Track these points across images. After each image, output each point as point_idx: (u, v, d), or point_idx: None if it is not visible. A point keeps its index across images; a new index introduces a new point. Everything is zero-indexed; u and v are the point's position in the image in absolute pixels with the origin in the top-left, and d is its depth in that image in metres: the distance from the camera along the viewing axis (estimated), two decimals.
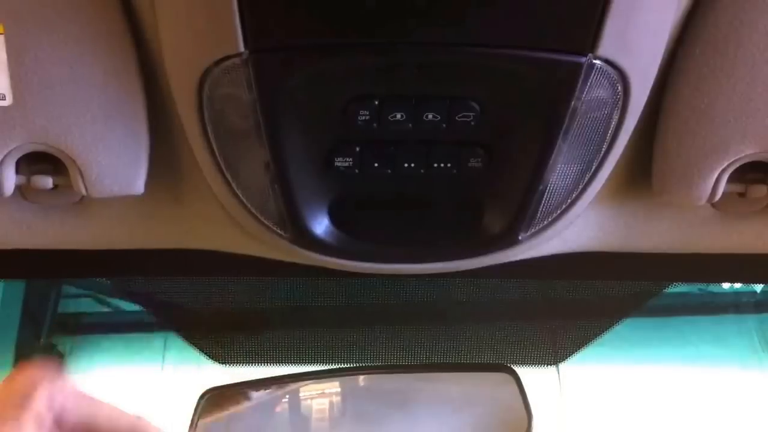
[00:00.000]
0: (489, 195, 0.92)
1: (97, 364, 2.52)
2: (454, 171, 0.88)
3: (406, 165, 0.87)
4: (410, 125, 0.82)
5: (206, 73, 0.78)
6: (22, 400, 0.66)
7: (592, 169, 0.88)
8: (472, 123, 0.82)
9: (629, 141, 0.87)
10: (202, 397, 1.60)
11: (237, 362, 1.93)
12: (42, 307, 2.29)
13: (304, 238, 0.93)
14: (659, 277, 1.70)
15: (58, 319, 2.53)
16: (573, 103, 0.79)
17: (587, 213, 0.97)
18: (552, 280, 1.96)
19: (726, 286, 2.59)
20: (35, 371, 0.69)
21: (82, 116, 0.83)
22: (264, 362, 1.97)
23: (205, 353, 1.88)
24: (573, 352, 2.22)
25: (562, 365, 2.24)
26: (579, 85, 0.77)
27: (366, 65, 0.78)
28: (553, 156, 0.84)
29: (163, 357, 2.62)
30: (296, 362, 2.01)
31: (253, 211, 0.92)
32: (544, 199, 0.89)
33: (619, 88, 0.79)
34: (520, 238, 0.94)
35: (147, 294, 2.02)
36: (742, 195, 0.94)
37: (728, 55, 0.81)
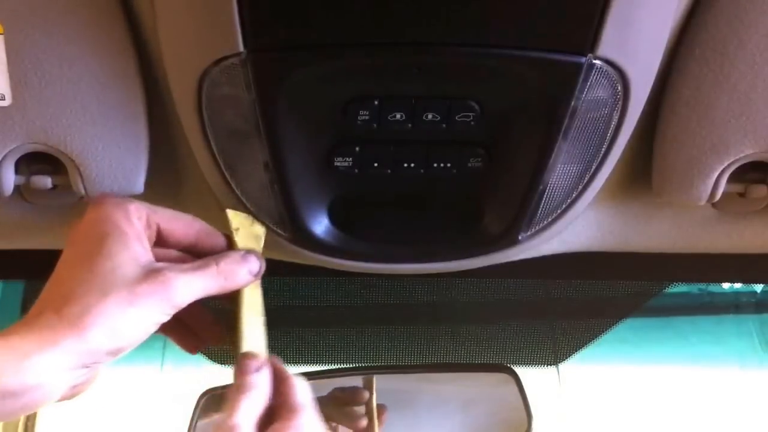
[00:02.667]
0: (489, 195, 0.92)
1: None
2: (454, 171, 0.88)
3: (405, 165, 0.87)
4: (410, 125, 0.82)
5: (205, 73, 0.78)
6: (120, 217, 0.74)
7: (592, 169, 0.88)
8: (472, 123, 0.82)
9: (629, 141, 0.87)
10: (201, 397, 1.59)
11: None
12: None
13: (304, 237, 0.93)
14: (659, 277, 1.70)
15: None
16: (573, 103, 0.79)
17: (587, 213, 0.97)
18: (552, 280, 1.96)
19: (726, 286, 2.59)
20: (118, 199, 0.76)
21: (82, 116, 0.83)
22: None
23: (205, 353, 1.87)
24: (573, 352, 2.22)
25: (562, 365, 2.24)
26: (579, 85, 0.77)
27: (365, 65, 0.78)
28: (552, 156, 0.84)
29: (163, 357, 2.62)
30: (295, 363, 2.01)
31: (253, 210, 0.92)
32: (544, 199, 0.89)
33: (619, 88, 0.79)
34: (519, 238, 0.94)
35: None
36: (742, 195, 0.94)
37: (728, 55, 0.81)
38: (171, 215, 0.79)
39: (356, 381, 1.57)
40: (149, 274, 0.72)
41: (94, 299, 0.69)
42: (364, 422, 1.38)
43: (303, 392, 0.79)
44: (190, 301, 0.74)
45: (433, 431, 1.68)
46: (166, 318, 0.72)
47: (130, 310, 0.69)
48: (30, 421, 2.08)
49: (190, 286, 0.74)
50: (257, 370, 0.77)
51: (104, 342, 0.69)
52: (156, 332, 0.75)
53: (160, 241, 0.78)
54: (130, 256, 0.72)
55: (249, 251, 0.81)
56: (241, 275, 0.79)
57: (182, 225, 0.80)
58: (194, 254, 0.80)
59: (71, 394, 0.73)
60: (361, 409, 1.38)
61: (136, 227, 0.74)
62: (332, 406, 1.36)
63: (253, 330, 0.81)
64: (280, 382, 0.79)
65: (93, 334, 0.68)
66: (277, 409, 0.76)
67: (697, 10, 0.80)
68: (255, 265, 0.80)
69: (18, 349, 0.66)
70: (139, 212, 0.76)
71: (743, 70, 0.81)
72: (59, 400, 0.71)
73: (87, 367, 0.70)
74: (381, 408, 1.20)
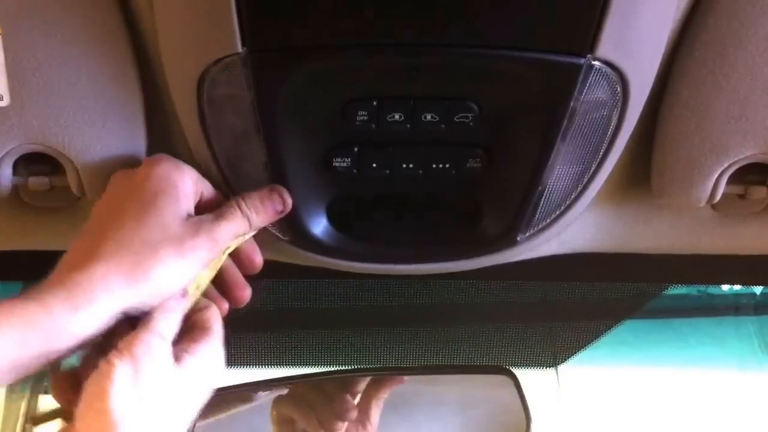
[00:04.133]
0: (487, 196, 0.92)
1: None
2: (453, 172, 0.87)
3: (404, 166, 0.87)
4: (409, 126, 0.82)
5: (204, 73, 0.78)
6: (177, 176, 0.81)
7: (591, 170, 0.88)
8: (471, 124, 0.82)
9: (628, 142, 0.87)
10: None
11: (236, 364, 1.93)
12: None
13: (303, 238, 0.93)
14: (658, 279, 1.69)
15: None
16: (572, 104, 0.79)
17: (586, 214, 0.97)
18: (551, 282, 1.96)
19: (725, 287, 2.58)
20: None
21: (80, 117, 0.83)
22: (263, 364, 1.97)
23: None
24: (572, 354, 2.22)
25: (561, 367, 2.24)
26: (578, 87, 0.77)
27: (364, 66, 0.78)
28: (551, 157, 0.84)
29: None
30: (295, 364, 2.01)
31: None
32: (542, 200, 0.89)
33: (618, 89, 0.79)
34: (518, 239, 0.94)
35: None
36: (741, 196, 0.94)
37: (728, 56, 0.81)
38: (211, 188, 0.86)
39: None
40: (194, 226, 0.77)
41: (149, 252, 0.74)
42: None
43: (215, 318, 0.82)
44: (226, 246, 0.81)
45: None
46: (206, 264, 0.78)
47: (180, 262, 0.75)
48: (29, 422, 2.08)
49: (227, 231, 0.80)
50: (181, 296, 0.80)
51: (155, 291, 0.74)
52: None
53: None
54: (180, 213, 0.78)
55: (273, 188, 0.86)
56: (267, 214, 0.85)
57: (209, 188, 0.86)
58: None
59: None
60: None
61: (187, 186, 0.80)
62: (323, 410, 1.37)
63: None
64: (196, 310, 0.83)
65: (145, 286, 0.73)
66: (188, 329, 0.80)
67: (696, 11, 0.80)
68: (279, 204, 0.86)
69: (74, 295, 0.71)
70: (192, 175, 0.82)
71: (743, 72, 0.81)
72: None
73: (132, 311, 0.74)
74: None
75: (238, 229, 0.82)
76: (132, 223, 0.76)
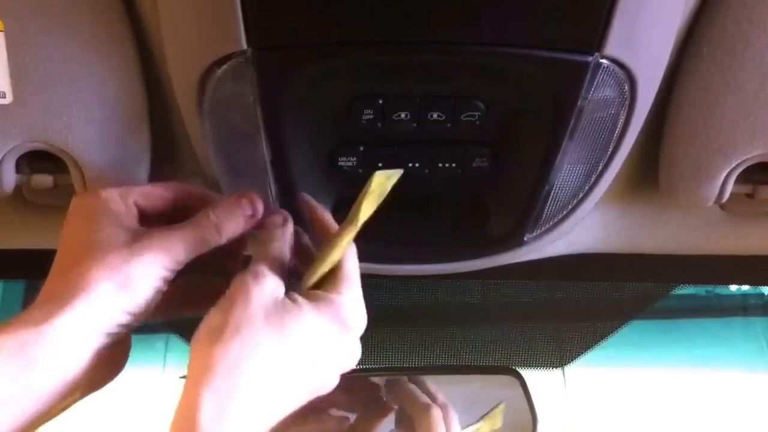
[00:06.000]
0: (494, 195, 0.91)
1: None
2: (459, 171, 0.87)
3: (410, 165, 0.86)
4: (415, 125, 0.81)
5: (208, 70, 0.78)
6: (97, 202, 0.76)
7: (599, 170, 0.88)
8: (477, 123, 0.81)
9: (636, 141, 0.86)
10: None
11: None
12: None
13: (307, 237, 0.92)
14: (666, 279, 1.69)
15: None
16: (579, 102, 0.78)
17: (593, 214, 0.97)
18: (557, 282, 1.96)
19: (733, 288, 2.58)
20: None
21: (83, 115, 0.83)
22: None
23: None
24: (579, 355, 2.22)
25: (568, 368, 2.24)
26: (585, 85, 0.76)
27: (370, 64, 0.77)
28: (559, 156, 0.84)
29: (165, 359, 2.62)
30: None
31: None
32: (549, 199, 0.89)
33: (626, 87, 0.79)
34: (525, 239, 0.93)
35: None
36: (750, 196, 0.93)
37: (736, 54, 0.80)
38: (144, 188, 0.80)
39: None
40: (143, 234, 0.73)
41: (94, 259, 0.70)
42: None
43: (352, 263, 0.79)
44: (192, 254, 0.75)
45: None
46: (168, 273, 0.73)
47: (132, 260, 0.71)
48: None
49: (185, 237, 0.75)
50: (282, 224, 0.80)
51: (112, 300, 0.70)
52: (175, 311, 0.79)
53: (142, 215, 0.79)
54: (122, 227, 0.74)
55: (242, 195, 0.81)
56: (236, 222, 0.79)
57: (158, 192, 0.81)
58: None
59: (100, 378, 0.73)
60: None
61: (116, 207, 0.76)
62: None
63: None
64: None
65: (99, 292, 0.69)
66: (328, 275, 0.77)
67: (704, 9, 0.80)
68: (248, 209, 0.80)
69: (33, 320, 0.67)
70: (113, 195, 0.77)
71: (751, 70, 0.81)
72: (89, 388, 0.72)
73: (107, 334, 0.70)
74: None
75: (205, 237, 0.76)
76: (77, 245, 0.74)
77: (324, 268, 0.76)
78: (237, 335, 0.67)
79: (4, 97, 0.81)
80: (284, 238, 0.79)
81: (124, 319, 0.71)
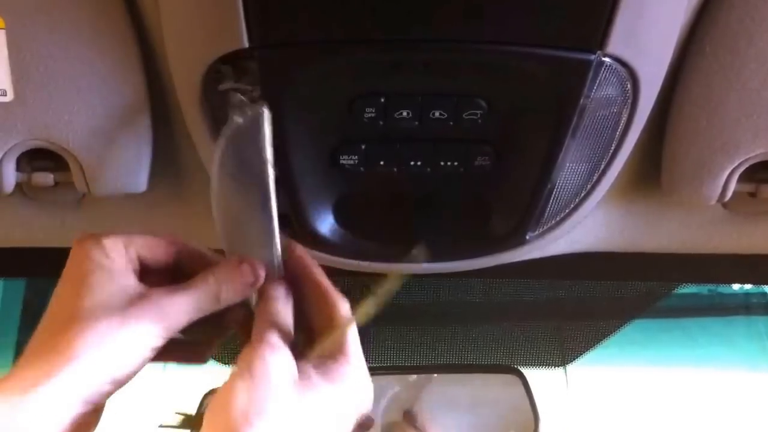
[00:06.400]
0: (496, 194, 0.91)
1: None
2: (461, 169, 0.87)
3: (412, 163, 0.86)
4: (417, 123, 0.81)
5: (210, 68, 0.77)
6: (99, 254, 0.73)
7: (601, 168, 0.88)
8: (480, 121, 0.81)
9: (638, 140, 0.86)
10: (204, 397, 1.59)
11: None
12: (43, 306, 2.29)
13: (309, 236, 0.93)
14: (668, 278, 1.69)
15: None
16: (582, 101, 0.78)
17: (596, 212, 0.97)
18: (560, 281, 1.96)
19: (736, 287, 2.58)
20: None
21: (84, 112, 0.83)
22: None
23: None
24: (581, 354, 2.22)
25: (570, 366, 2.24)
26: (588, 83, 0.76)
27: (372, 62, 0.77)
28: (561, 155, 0.83)
29: None
30: None
31: None
32: (552, 198, 0.89)
33: (629, 86, 0.79)
34: (527, 237, 0.93)
35: None
36: (752, 195, 0.93)
37: (739, 52, 0.80)
38: (147, 240, 0.77)
39: None
40: (139, 298, 0.71)
41: (84, 325, 0.67)
42: None
43: (353, 338, 0.78)
44: (187, 323, 0.73)
45: None
46: (160, 341, 0.71)
47: (122, 332, 0.68)
48: None
49: (183, 305, 0.72)
50: (285, 296, 0.78)
51: (99, 369, 0.67)
52: (154, 360, 0.74)
53: (143, 268, 0.77)
54: (118, 287, 0.71)
55: (243, 259, 0.78)
56: (236, 289, 0.77)
57: (162, 246, 0.79)
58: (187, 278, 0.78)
59: None
60: None
61: (116, 261, 0.73)
62: None
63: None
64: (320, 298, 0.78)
65: (86, 360, 0.66)
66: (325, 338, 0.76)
67: (707, 7, 0.80)
68: (249, 276, 0.78)
69: (19, 385, 0.65)
70: (116, 245, 0.74)
71: (754, 68, 0.81)
72: None
73: (88, 402, 0.68)
74: None
75: (202, 303, 0.74)
76: (69, 305, 0.70)
77: (328, 340, 0.76)
78: (263, 420, 0.65)
79: (5, 95, 0.81)
80: (289, 308, 0.77)
81: (108, 387, 0.69)
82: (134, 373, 0.70)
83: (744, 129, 0.84)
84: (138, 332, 0.69)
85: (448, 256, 0.99)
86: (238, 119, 0.74)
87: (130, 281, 0.73)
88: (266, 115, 0.74)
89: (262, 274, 0.78)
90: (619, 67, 0.76)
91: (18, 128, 0.83)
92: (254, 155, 0.76)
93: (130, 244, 0.75)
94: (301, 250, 0.81)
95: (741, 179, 0.89)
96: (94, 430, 0.72)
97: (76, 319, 0.68)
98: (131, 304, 0.70)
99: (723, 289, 2.61)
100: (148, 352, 0.70)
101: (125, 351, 0.68)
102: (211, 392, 0.98)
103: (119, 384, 0.69)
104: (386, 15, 0.71)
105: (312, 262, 0.80)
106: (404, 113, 0.80)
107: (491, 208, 0.92)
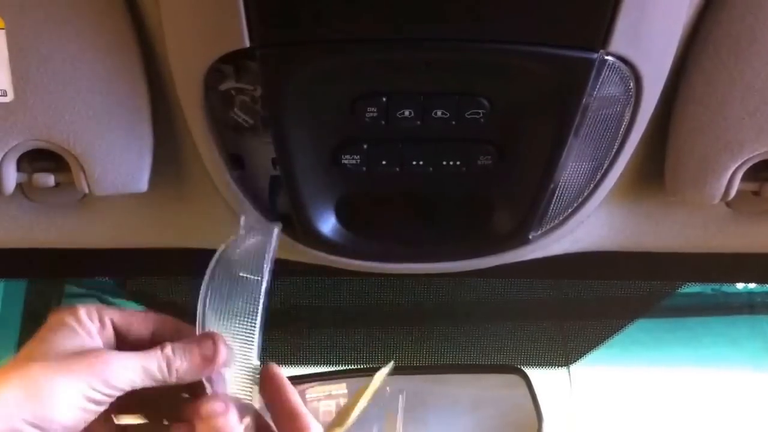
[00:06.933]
0: (499, 193, 0.91)
1: None
2: (464, 169, 0.87)
3: (414, 163, 0.86)
4: (419, 122, 0.81)
5: (211, 68, 0.77)
6: (67, 315, 0.73)
7: (604, 167, 0.88)
8: (482, 120, 0.81)
9: (641, 138, 0.86)
10: None
11: None
12: (44, 307, 2.28)
13: (311, 236, 0.92)
14: (672, 278, 1.69)
15: None
16: (584, 99, 0.78)
17: (599, 212, 0.97)
18: (563, 280, 1.96)
19: (740, 286, 2.58)
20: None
21: (85, 113, 0.83)
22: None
23: None
24: (584, 354, 2.22)
25: (573, 366, 2.23)
26: (590, 82, 0.76)
27: (374, 61, 0.77)
28: (564, 154, 0.83)
29: None
30: (302, 363, 2.01)
31: (259, 209, 0.92)
32: (555, 197, 0.89)
33: (632, 84, 0.78)
34: (530, 237, 0.93)
35: (150, 294, 2.01)
36: (756, 194, 0.93)
37: (742, 51, 0.80)
38: (124, 311, 0.77)
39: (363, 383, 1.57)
40: (87, 351, 0.71)
41: (20, 363, 0.68)
42: None
43: None
44: (131, 386, 0.71)
45: None
46: (100, 397, 0.70)
47: (56, 378, 0.68)
48: None
49: (128, 366, 0.71)
50: (224, 412, 0.75)
51: (22, 406, 0.67)
52: None
53: (119, 338, 0.77)
54: (74, 343, 0.72)
55: (208, 334, 0.77)
56: (193, 361, 0.75)
57: (138, 318, 0.78)
58: None
59: None
60: None
61: (85, 324, 0.74)
62: None
63: None
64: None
65: (10, 393, 0.66)
66: None
67: (710, 5, 0.80)
68: (209, 349, 0.76)
69: None
70: (89, 312, 0.75)
71: (757, 67, 0.80)
72: None
73: None
74: None
75: (150, 369, 0.72)
76: (21, 354, 0.71)
77: None
78: None
79: (6, 95, 0.80)
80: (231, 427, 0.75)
81: (28, 429, 0.67)
82: (69, 423, 0.69)
83: (747, 127, 0.84)
84: (74, 381, 0.68)
85: (451, 255, 0.99)
86: (250, 238, 0.75)
87: (90, 341, 0.73)
88: (276, 233, 0.74)
89: (223, 351, 0.76)
90: (622, 66, 0.76)
91: (18, 129, 0.83)
92: (255, 267, 0.78)
93: (104, 313, 0.76)
94: (276, 369, 0.80)
95: (745, 178, 0.89)
96: None
97: (19, 361, 0.69)
98: (76, 354, 0.70)
99: (727, 288, 2.60)
100: (82, 402, 0.69)
101: (49, 395, 0.67)
102: None
103: (50, 426, 0.68)
104: (388, 14, 0.71)
105: (287, 383, 0.79)
106: (406, 113, 0.80)
107: (494, 207, 0.92)
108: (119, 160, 0.86)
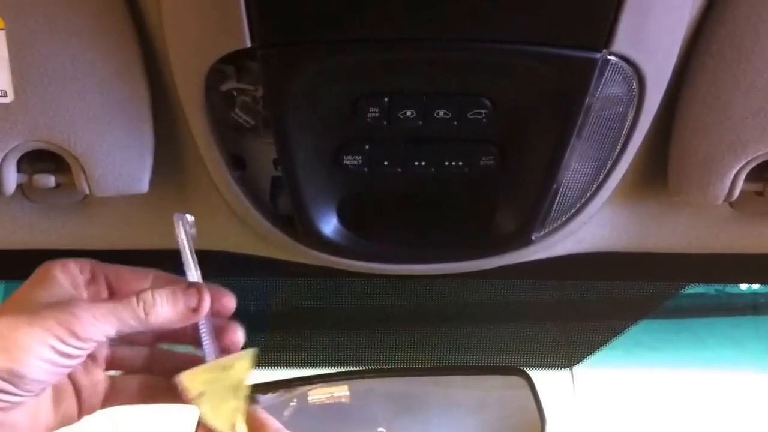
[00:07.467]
0: (501, 194, 0.91)
1: None
2: (466, 169, 0.86)
3: (416, 163, 0.86)
4: (421, 123, 0.81)
5: (212, 68, 0.77)
6: (54, 267, 0.74)
7: (607, 168, 0.87)
8: (484, 120, 0.81)
9: (644, 139, 0.86)
10: None
11: None
12: None
13: (312, 237, 0.92)
14: (675, 278, 1.69)
15: None
16: (587, 100, 0.78)
17: (602, 212, 0.96)
18: (566, 281, 1.95)
19: (744, 287, 2.58)
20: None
21: (86, 113, 0.82)
22: (271, 365, 1.97)
23: None
24: (587, 355, 2.22)
25: (576, 368, 2.24)
26: (593, 82, 0.76)
27: (375, 61, 0.77)
28: (566, 154, 0.83)
29: None
30: (304, 365, 2.01)
31: (260, 210, 0.92)
32: (557, 198, 0.89)
33: (634, 84, 0.78)
34: (533, 237, 0.93)
35: None
36: (760, 194, 0.93)
37: (745, 50, 0.80)
38: (122, 267, 0.77)
39: (365, 384, 1.56)
40: (58, 303, 0.70)
41: (11, 323, 0.68)
42: None
43: None
44: (104, 335, 0.71)
45: None
46: (70, 350, 0.69)
47: (24, 327, 0.67)
48: None
49: (98, 315, 0.70)
50: None
51: (15, 357, 0.67)
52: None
53: (114, 295, 0.77)
54: (50, 293, 0.71)
55: (194, 284, 0.77)
56: (172, 311, 0.74)
57: (135, 275, 0.78)
58: None
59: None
60: None
61: (74, 276, 0.74)
62: None
63: None
64: None
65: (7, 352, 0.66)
66: None
67: (714, 5, 0.79)
68: (192, 300, 0.75)
69: None
70: (81, 265, 0.75)
71: (761, 67, 0.80)
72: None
73: None
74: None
75: (123, 318, 0.71)
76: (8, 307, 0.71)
77: None
78: None
79: (6, 96, 0.80)
80: None
81: (4, 385, 0.68)
82: (40, 374, 0.69)
83: (751, 128, 0.84)
84: (41, 331, 0.68)
85: (453, 257, 0.99)
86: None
87: (71, 292, 0.73)
88: (183, 223, 0.75)
89: (207, 303, 0.76)
90: (625, 66, 0.76)
91: (19, 129, 0.82)
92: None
93: (99, 268, 0.77)
94: (262, 413, 0.79)
95: (748, 178, 0.89)
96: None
97: (8, 320, 0.68)
98: (47, 307, 0.69)
99: (731, 289, 2.61)
100: (50, 354, 0.68)
101: (25, 347, 0.67)
102: None
103: (20, 380, 0.68)
104: (390, 14, 0.71)
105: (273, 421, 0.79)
106: (408, 113, 0.80)
107: (496, 208, 0.92)
108: (120, 161, 0.86)
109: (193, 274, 0.78)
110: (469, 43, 0.73)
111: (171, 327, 0.75)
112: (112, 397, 0.80)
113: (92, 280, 0.76)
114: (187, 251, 0.79)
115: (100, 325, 0.70)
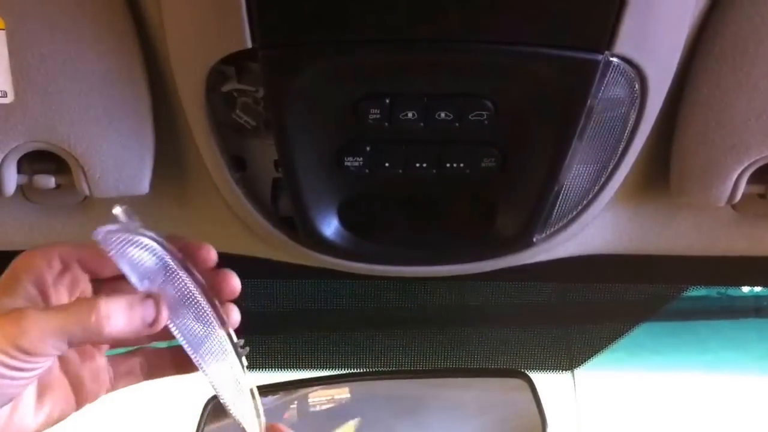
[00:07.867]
0: (503, 196, 0.90)
1: None
2: (467, 171, 0.86)
3: (417, 165, 0.85)
4: (422, 124, 0.80)
5: (213, 69, 0.77)
6: (19, 263, 0.71)
7: (609, 170, 0.87)
8: (486, 122, 0.80)
9: (647, 141, 0.86)
10: (208, 403, 1.59)
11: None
12: None
13: (313, 239, 0.92)
14: (677, 281, 1.69)
15: None
16: (589, 101, 0.77)
17: (603, 214, 0.96)
18: (567, 284, 1.95)
19: (746, 289, 2.58)
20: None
21: (86, 114, 0.82)
22: (271, 367, 1.97)
23: None
24: (588, 357, 2.22)
25: (578, 371, 2.23)
26: (595, 84, 0.76)
27: (377, 62, 0.76)
28: (568, 156, 0.83)
29: None
30: (304, 367, 2.01)
31: (261, 211, 0.92)
32: (559, 200, 0.88)
33: (637, 86, 0.78)
34: (534, 240, 0.93)
35: None
36: (762, 196, 0.92)
37: (748, 52, 0.79)
38: (93, 248, 0.72)
39: (366, 387, 1.56)
40: (12, 312, 0.66)
41: None
42: None
43: None
44: (53, 350, 0.66)
45: None
46: (20, 364, 0.65)
47: None
48: None
49: (47, 330, 0.66)
50: None
51: None
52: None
53: (93, 276, 0.75)
54: (12, 299, 0.69)
55: (150, 294, 0.70)
56: (126, 323, 0.69)
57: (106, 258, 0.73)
58: None
59: None
60: None
61: (36, 272, 0.71)
62: None
63: None
64: None
65: None
66: None
67: (716, 7, 0.79)
68: (150, 311, 0.70)
69: None
70: (48, 259, 0.71)
71: (763, 69, 0.80)
72: None
73: None
74: None
75: (71, 329, 0.66)
76: None
77: None
78: None
79: (6, 97, 0.80)
80: None
81: None
82: None
83: (754, 130, 0.84)
84: None
85: (454, 258, 0.98)
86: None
87: (29, 295, 0.70)
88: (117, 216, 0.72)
89: (164, 315, 0.70)
90: (627, 68, 0.75)
91: (19, 130, 0.82)
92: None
93: (74, 249, 0.73)
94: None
95: (750, 181, 0.88)
96: None
97: None
98: (1, 317, 0.66)
99: (733, 291, 2.61)
100: (2, 370, 0.64)
101: None
102: (215, 398, 0.99)
103: None
104: (391, 15, 0.70)
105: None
106: (409, 114, 0.79)
107: (498, 210, 0.92)
108: (120, 162, 0.86)
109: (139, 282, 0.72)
110: (470, 44, 0.73)
111: (127, 339, 0.72)
112: (117, 380, 0.77)
113: (65, 270, 0.72)
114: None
115: (49, 339, 0.66)
